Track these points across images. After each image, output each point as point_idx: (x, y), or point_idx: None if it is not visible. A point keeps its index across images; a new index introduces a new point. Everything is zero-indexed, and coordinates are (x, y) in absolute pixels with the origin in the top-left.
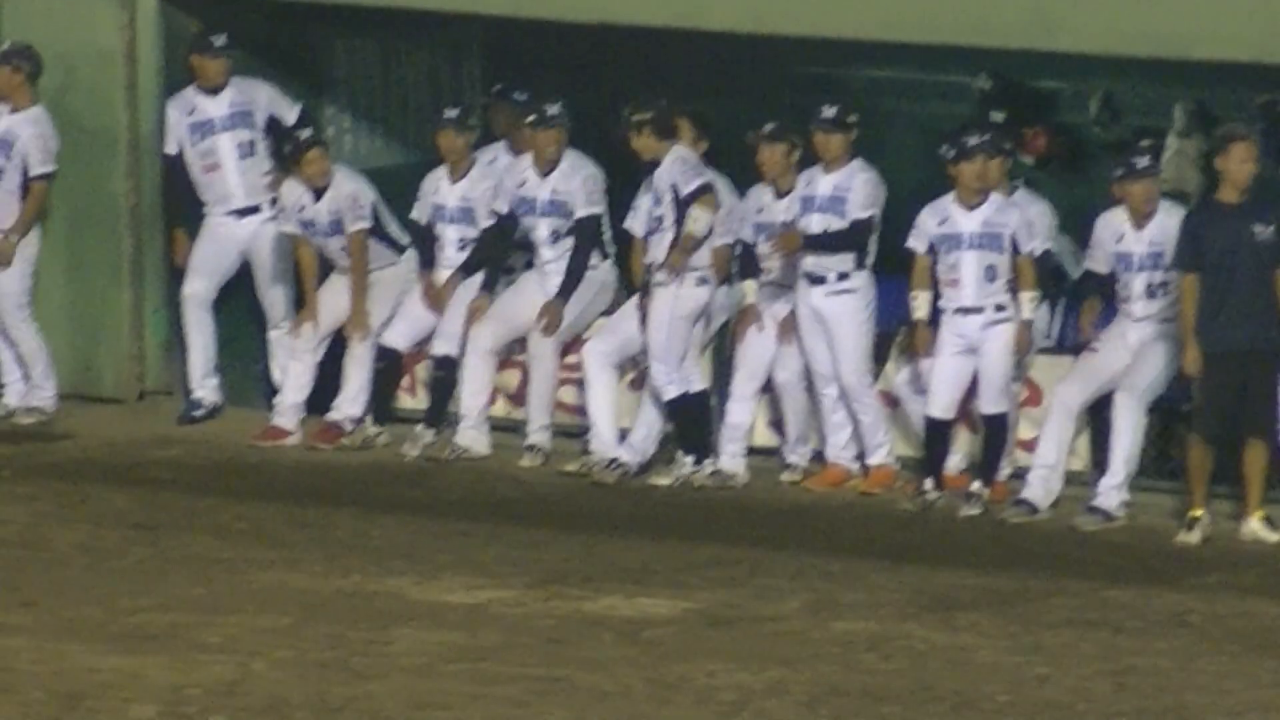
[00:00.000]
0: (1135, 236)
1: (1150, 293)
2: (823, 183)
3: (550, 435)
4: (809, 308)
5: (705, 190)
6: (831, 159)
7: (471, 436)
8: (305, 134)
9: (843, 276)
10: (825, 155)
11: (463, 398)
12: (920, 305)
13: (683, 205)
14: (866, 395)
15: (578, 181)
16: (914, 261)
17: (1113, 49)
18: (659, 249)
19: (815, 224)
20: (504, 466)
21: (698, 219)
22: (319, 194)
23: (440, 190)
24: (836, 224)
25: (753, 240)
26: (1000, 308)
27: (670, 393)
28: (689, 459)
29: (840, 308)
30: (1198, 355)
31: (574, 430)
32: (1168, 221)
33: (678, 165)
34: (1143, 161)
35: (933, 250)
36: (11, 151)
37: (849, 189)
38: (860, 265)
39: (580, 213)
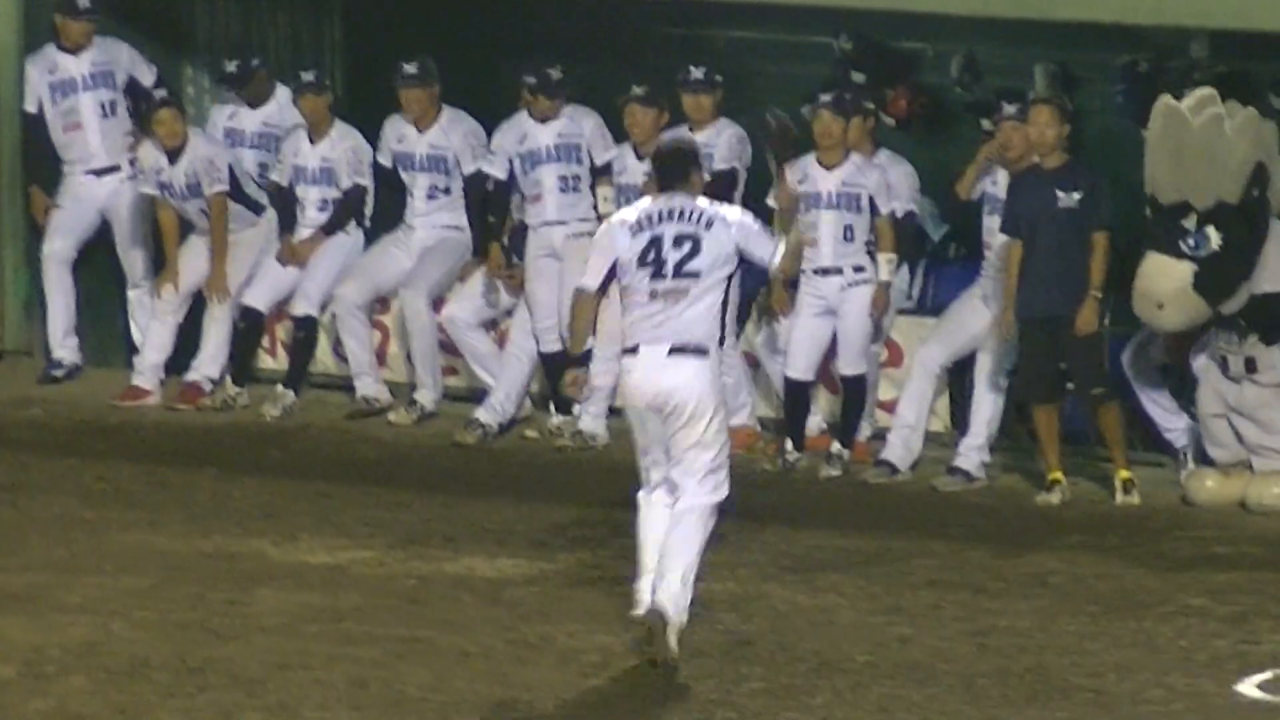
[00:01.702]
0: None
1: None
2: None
3: (435, 395)
4: None
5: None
6: (700, 119)
7: (371, 386)
8: (158, 94)
9: None
10: (695, 116)
11: (353, 354)
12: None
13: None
14: (731, 355)
15: (457, 137)
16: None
17: (974, 9)
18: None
19: None
20: (365, 428)
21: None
22: (174, 156)
23: (301, 152)
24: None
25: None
26: (859, 269)
27: (555, 347)
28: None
29: None
30: (1010, 320)
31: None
32: None
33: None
34: (1010, 108)
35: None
36: None
37: (714, 145)
38: None
39: (466, 168)
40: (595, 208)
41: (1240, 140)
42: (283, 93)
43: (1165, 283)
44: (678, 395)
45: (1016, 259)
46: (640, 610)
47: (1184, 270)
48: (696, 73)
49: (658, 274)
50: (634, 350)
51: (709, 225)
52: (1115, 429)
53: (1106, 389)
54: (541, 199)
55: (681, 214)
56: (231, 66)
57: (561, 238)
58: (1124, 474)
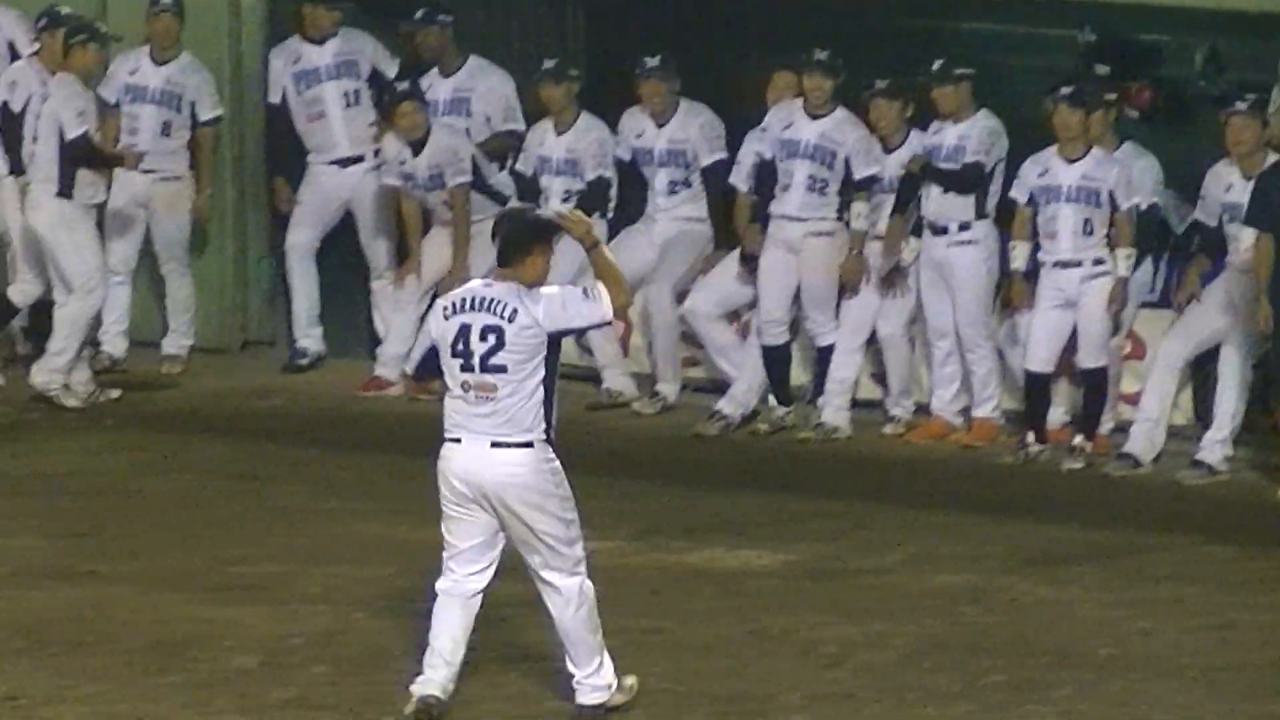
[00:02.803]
0: (1243, 187)
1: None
2: (949, 133)
3: (676, 388)
4: (930, 259)
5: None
6: (952, 111)
7: (618, 379)
8: (401, 87)
9: (964, 227)
10: (945, 108)
11: (599, 347)
12: (1018, 256)
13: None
14: (983, 347)
15: (695, 129)
16: (1015, 212)
17: (1218, 2)
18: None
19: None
20: (606, 419)
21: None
22: (417, 147)
23: (545, 142)
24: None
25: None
26: (1098, 262)
27: (829, 340)
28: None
29: (962, 258)
30: (1269, 314)
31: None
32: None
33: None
34: (1242, 102)
35: (1033, 202)
36: (180, 102)
37: (969, 136)
38: (981, 215)
39: (704, 160)
40: (841, 215)
41: None
42: None
43: None
44: (508, 493)
45: (1267, 252)
46: (418, 691)
47: None
48: (946, 66)
49: (466, 366)
50: (456, 440)
51: (512, 318)
52: None
53: None
54: (790, 191)
55: (489, 304)
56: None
57: (800, 234)
58: None
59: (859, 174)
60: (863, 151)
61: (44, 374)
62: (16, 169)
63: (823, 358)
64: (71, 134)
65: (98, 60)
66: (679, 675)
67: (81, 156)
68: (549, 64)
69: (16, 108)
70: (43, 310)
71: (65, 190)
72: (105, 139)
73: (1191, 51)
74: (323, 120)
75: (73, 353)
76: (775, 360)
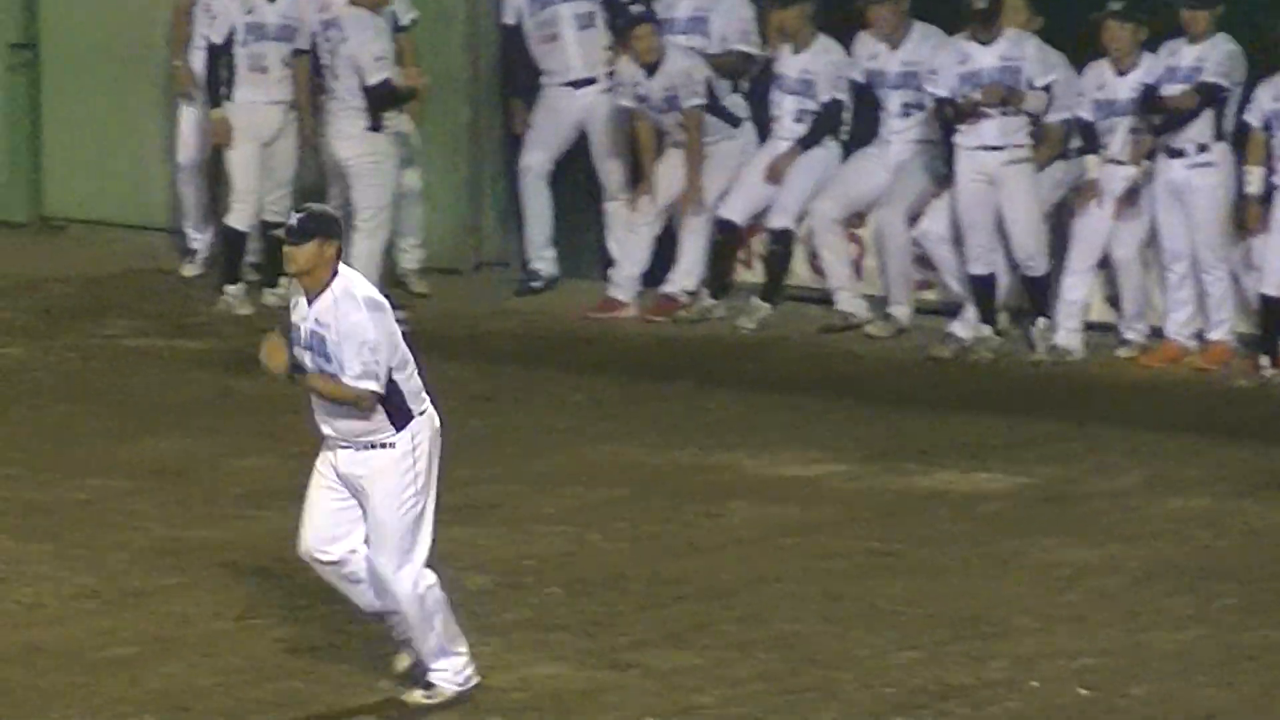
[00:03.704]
0: None
1: None
2: (1186, 54)
3: (909, 310)
4: (1167, 182)
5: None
6: (1202, 33)
7: (850, 301)
8: (636, 9)
9: (1202, 149)
10: (1196, 30)
11: (831, 268)
12: (1253, 180)
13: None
14: (1219, 269)
15: (927, 52)
16: (1249, 136)
17: None
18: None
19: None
20: (839, 342)
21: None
22: (652, 70)
23: (781, 61)
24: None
25: (1092, 118)
26: None
27: (1041, 270)
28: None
29: (1200, 180)
30: None
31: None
32: None
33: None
34: None
35: (1269, 126)
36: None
37: (1207, 59)
38: (1219, 137)
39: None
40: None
41: None
42: None
43: None
44: (365, 486)
45: None
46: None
47: None
48: None
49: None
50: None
51: (331, 325)
52: None
53: None
54: (980, 121)
55: (315, 311)
56: None
57: (996, 164)
58: None
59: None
60: (1039, 62)
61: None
62: (222, 98)
63: (1037, 288)
64: (371, 80)
65: None
66: (913, 597)
67: (383, 99)
68: None
69: (219, 39)
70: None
71: (376, 125)
72: (406, 65)
73: None
74: (556, 42)
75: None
76: (984, 289)
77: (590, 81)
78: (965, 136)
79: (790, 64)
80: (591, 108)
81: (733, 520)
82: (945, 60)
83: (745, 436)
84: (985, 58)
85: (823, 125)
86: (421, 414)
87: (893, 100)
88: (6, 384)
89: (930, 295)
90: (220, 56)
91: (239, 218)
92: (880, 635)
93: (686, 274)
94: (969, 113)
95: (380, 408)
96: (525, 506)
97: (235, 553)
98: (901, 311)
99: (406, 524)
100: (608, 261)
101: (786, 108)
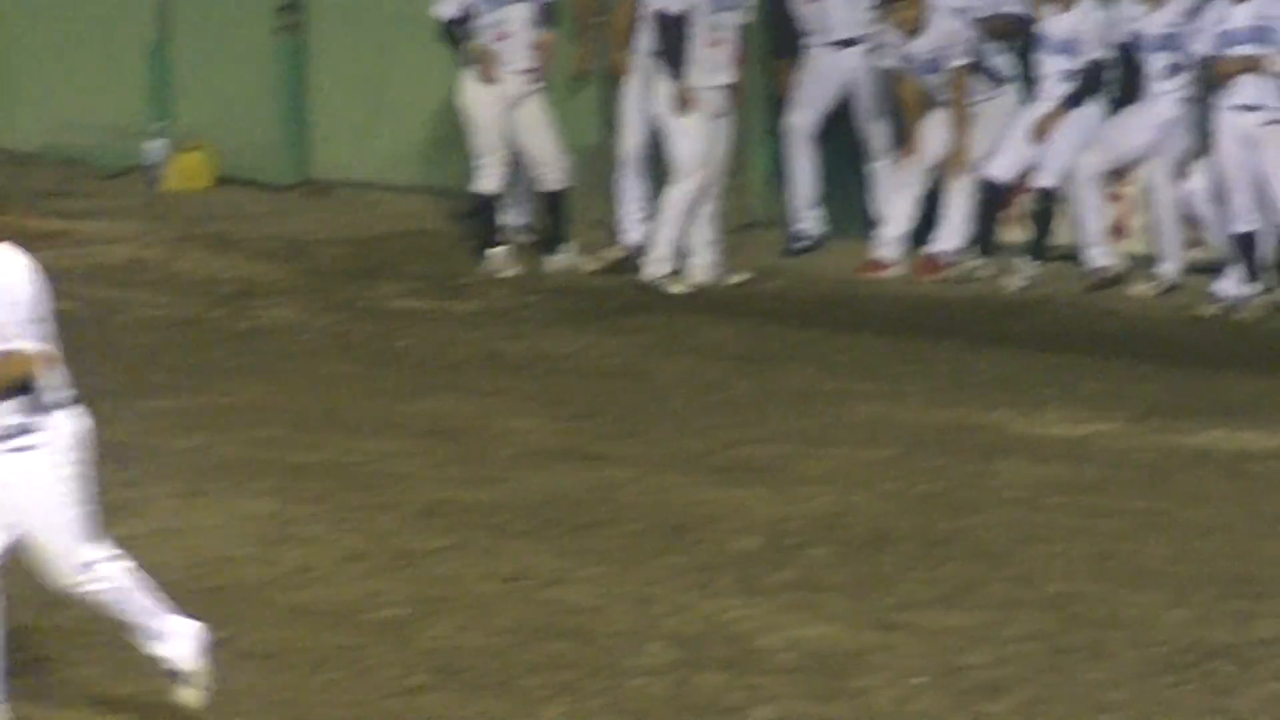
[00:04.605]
0: None
1: None
2: None
3: (1177, 267)
4: None
5: None
6: None
7: (1102, 256)
8: None
9: None
10: None
11: (1085, 224)
12: None
13: None
14: None
15: (1186, 12)
16: None
17: None
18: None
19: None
20: (1105, 300)
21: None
22: (916, 30)
23: (1047, 21)
24: None
25: None
26: None
27: (1248, 227)
28: None
29: None
30: None
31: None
32: None
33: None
34: None
35: None
36: None
37: None
38: None
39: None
40: None
41: None
42: None
43: None
44: None
45: None
46: None
47: None
48: None
49: None
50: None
51: None
52: None
53: None
54: (1236, 81)
55: None
56: None
57: (1255, 123)
58: None
59: None
60: None
61: (650, 265)
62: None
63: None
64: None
65: None
66: (1182, 556)
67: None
68: None
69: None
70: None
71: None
72: None
73: None
74: (822, 2)
75: (672, 240)
76: (1247, 245)
77: (856, 41)
78: (1223, 96)
79: (1056, 24)
80: (856, 68)
81: (1000, 480)
82: (1206, 20)
83: (1012, 396)
84: (1239, 16)
85: (1088, 85)
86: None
87: (1156, 61)
88: (277, 345)
89: (1199, 253)
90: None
91: (488, 182)
92: (1148, 595)
93: (952, 234)
94: (1224, 73)
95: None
96: (791, 467)
97: (504, 514)
98: (1170, 269)
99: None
100: (873, 222)
101: (1052, 67)
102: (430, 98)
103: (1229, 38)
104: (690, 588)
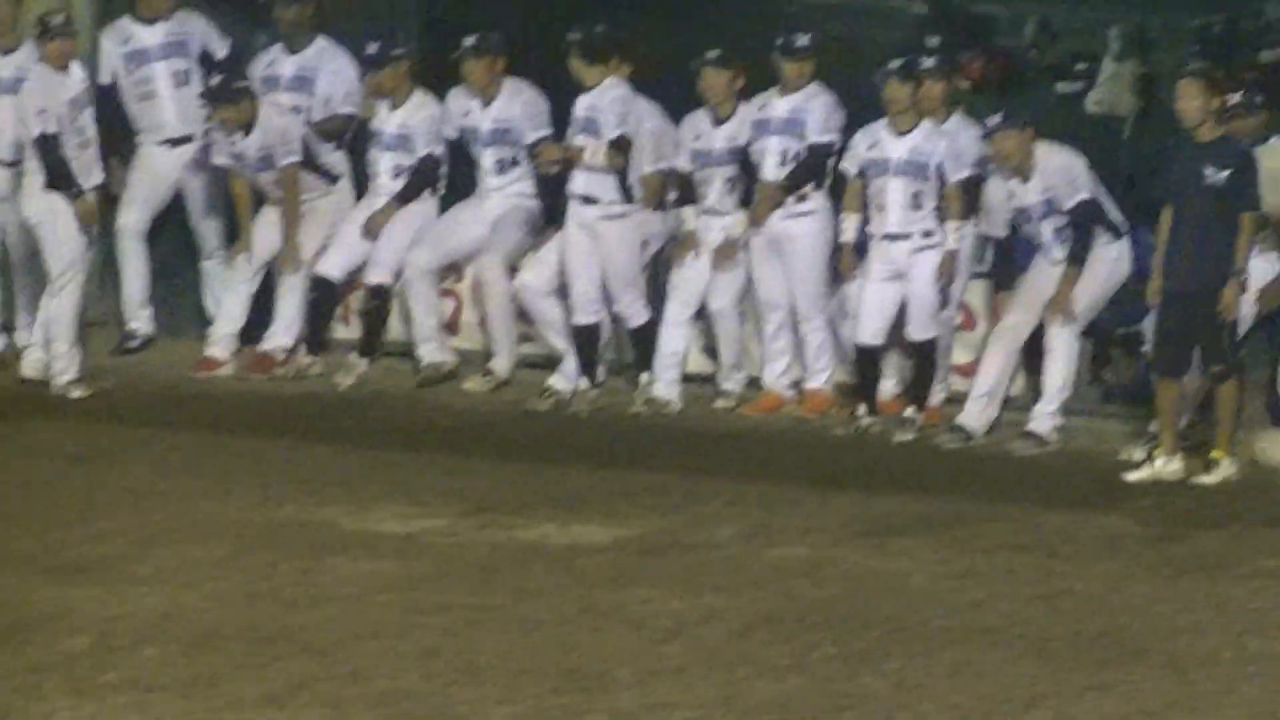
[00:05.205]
0: (1025, 189)
1: (1058, 236)
2: (780, 106)
3: (509, 363)
4: (764, 231)
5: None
6: (800, 84)
7: (436, 352)
8: (238, 84)
9: (801, 198)
10: (795, 83)
11: (418, 320)
12: (847, 229)
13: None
14: (818, 319)
15: (518, 108)
16: (846, 184)
17: None
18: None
19: (773, 146)
20: (438, 396)
21: (597, 154)
22: (248, 129)
23: (378, 117)
24: (795, 146)
25: (689, 168)
26: (927, 234)
27: (643, 317)
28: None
29: (799, 229)
30: (1157, 286)
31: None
32: (1052, 163)
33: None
34: (994, 119)
35: (863, 174)
36: None
37: (806, 111)
38: (817, 186)
39: (528, 138)
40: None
41: None
42: None
43: (1267, 160)
44: None
45: (1164, 224)
46: None
47: None
48: (802, 39)
49: None
50: None
51: None
52: (1225, 408)
53: (1227, 367)
54: (576, 171)
55: None
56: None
57: (594, 215)
58: (1215, 453)
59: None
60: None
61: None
62: None
63: (639, 338)
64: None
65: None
66: (512, 651)
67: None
68: (373, 46)
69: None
70: None
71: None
72: None
73: (1023, 22)
74: (153, 100)
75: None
76: (586, 339)
77: (187, 139)
78: (571, 185)
79: (388, 120)
80: (188, 166)
81: (331, 577)
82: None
83: (343, 493)
84: (579, 105)
85: (419, 181)
86: None
87: (486, 156)
88: None
89: (530, 349)
90: None
91: None
92: (478, 690)
93: (284, 331)
94: (548, 160)
95: None
96: (122, 567)
97: None
98: (501, 364)
99: None
100: (205, 320)
101: (384, 164)
102: None
103: (577, 125)
104: (17, 690)
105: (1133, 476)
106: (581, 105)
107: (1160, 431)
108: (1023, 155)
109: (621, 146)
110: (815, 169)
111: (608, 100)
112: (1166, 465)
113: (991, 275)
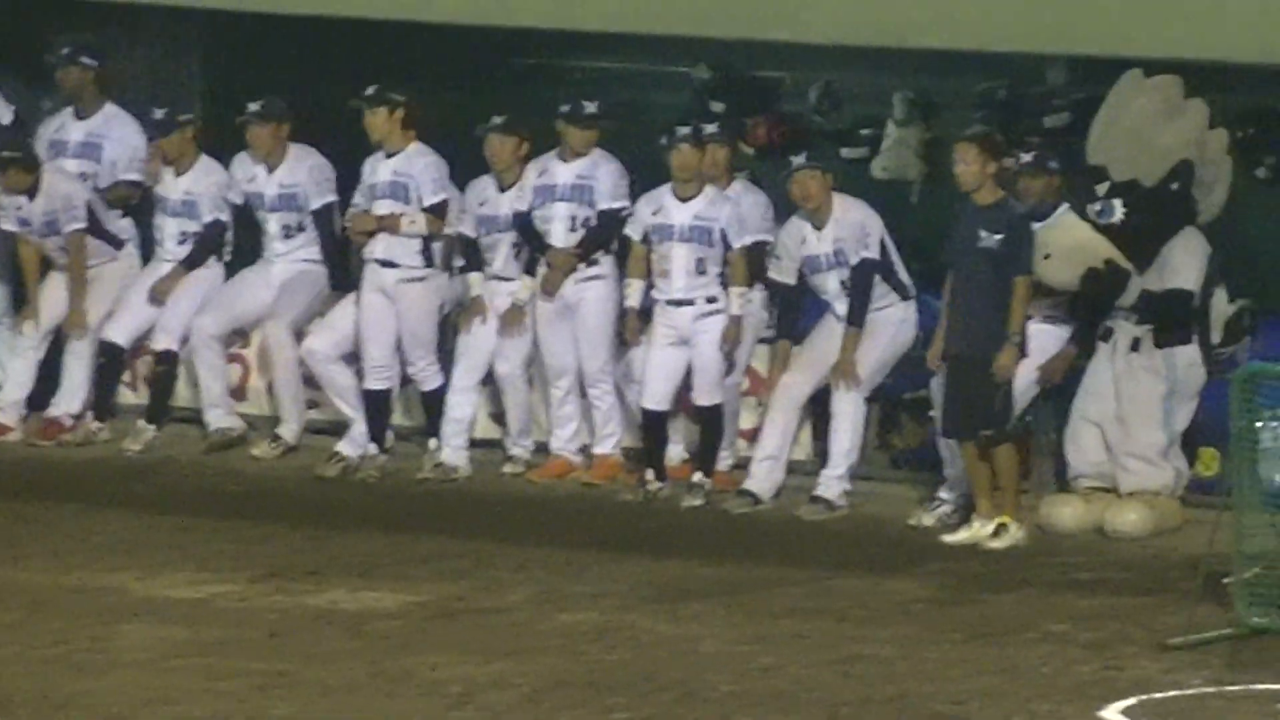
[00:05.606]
0: (818, 238)
1: (844, 290)
2: (563, 171)
3: (297, 429)
4: (555, 297)
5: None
6: (583, 153)
7: (224, 418)
8: (15, 151)
9: (591, 263)
10: (580, 149)
11: (206, 386)
12: (632, 294)
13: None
14: (605, 384)
15: (304, 173)
16: (630, 249)
17: (832, 38)
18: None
19: (560, 213)
20: (227, 461)
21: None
22: (31, 193)
23: (164, 183)
24: (583, 213)
25: (474, 234)
26: (711, 300)
27: (436, 381)
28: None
29: (588, 294)
30: (937, 351)
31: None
32: (848, 216)
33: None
34: (798, 159)
35: (647, 240)
36: None
37: (594, 178)
38: (607, 250)
39: (314, 204)
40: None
41: (1175, 130)
42: None
43: (1061, 235)
44: None
45: (949, 290)
46: None
47: (1082, 231)
48: (590, 107)
49: None
50: None
51: None
52: (1005, 474)
53: (999, 432)
54: (377, 236)
55: None
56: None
57: (391, 280)
58: (1001, 518)
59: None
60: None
61: None
62: None
63: (429, 401)
64: None
65: None
66: (302, 717)
67: None
68: (159, 113)
69: None
70: None
71: None
72: None
73: (807, 87)
74: None
75: None
76: (377, 405)
77: None
78: (369, 249)
79: (173, 186)
80: None
81: (122, 643)
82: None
83: (133, 558)
84: (383, 171)
85: (205, 246)
86: None
87: (272, 222)
88: None
89: (318, 414)
90: None
91: None
92: None
93: (71, 397)
94: (359, 230)
95: None
96: None
97: None
98: (290, 430)
99: None
100: None
101: (170, 230)
102: None
103: (372, 191)
104: None
105: (951, 539)
106: (385, 170)
107: (973, 494)
108: (822, 197)
109: (440, 212)
110: (607, 235)
111: (419, 166)
112: (984, 527)
113: (776, 326)
